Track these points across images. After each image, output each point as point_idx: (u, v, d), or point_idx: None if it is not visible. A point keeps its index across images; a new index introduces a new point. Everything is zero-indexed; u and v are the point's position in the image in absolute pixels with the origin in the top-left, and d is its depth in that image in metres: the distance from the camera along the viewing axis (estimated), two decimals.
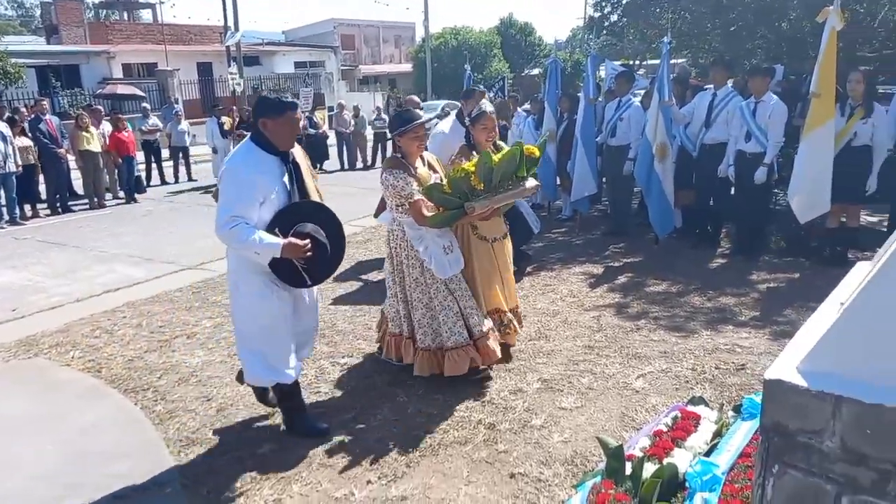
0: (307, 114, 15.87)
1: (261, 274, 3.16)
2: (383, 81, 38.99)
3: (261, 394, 3.66)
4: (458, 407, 3.71)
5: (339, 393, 3.97)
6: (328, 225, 3.29)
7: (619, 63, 13.78)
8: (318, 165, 15.76)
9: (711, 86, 6.82)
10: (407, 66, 38.24)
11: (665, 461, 2.53)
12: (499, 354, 3.98)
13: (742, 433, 2.68)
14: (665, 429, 2.80)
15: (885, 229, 6.29)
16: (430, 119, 4.45)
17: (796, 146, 6.77)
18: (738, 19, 10.02)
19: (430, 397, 3.83)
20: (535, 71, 33.51)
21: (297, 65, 32.49)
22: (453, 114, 5.08)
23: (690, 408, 2.98)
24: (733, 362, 4.15)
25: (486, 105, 4.36)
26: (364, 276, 6.49)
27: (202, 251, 7.82)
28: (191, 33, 30.35)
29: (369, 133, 16.70)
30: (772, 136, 5.96)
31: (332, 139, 16.62)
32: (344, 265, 6.91)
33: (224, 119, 14.00)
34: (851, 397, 1.65)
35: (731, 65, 7.11)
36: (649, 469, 2.49)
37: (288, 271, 3.15)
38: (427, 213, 3.68)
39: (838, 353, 1.73)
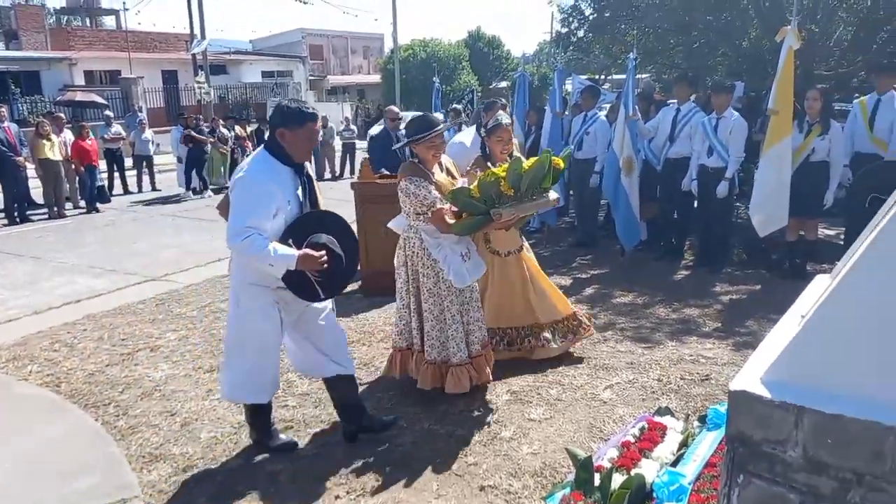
0: None
1: (265, 291, 3.08)
2: (352, 92, 38.92)
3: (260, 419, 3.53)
4: (427, 419, 3.70)
5: (307, 406, 3.93)
6: (342, 236, 3.19)
7: (585, 77, 14.00)
8: None
9: (675, 101, 6.98)
10: (376, 77, 38.24)
11: (633, 472, 2.56)
12: (489, 377, 3.96)
13: (707, 443, 2.73)
14: (633, 439, 2.84)
15: (842, 242, 6.47)
16: (448, 127, 4.40)
17: (756, 161, 6.95)
18: (701, 37, 10.29)
19: (399, 409, 3.81)
20: (503, 84, 33.81)
21: (265, 74, 32.28)
22: (474, 126, 4.97)
23: (657, 418, 3.03)
24: (698, 373, 4.22)
25: (503, 117, 4.28)
26: None
27: (166, 262, 7.70)
28: (156, 41, 29.95)
29: (338, 143, 16.64)
30: (733, 151, 6.12)
31: None
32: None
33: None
34: (813, 408, 1.70)
35: (693, 81, 7.28)
36: (617, 480, 2.52)
37: (301, 284, 3.04)
38: (451, 221, 3.59)
39: (800, 364, 1.78)
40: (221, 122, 15.02)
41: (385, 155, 7.66)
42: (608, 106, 8.55)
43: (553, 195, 3.76)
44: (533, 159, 3.63)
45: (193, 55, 23.50)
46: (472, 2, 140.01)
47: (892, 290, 1.64)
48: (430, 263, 3.74)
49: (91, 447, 3.57)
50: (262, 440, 3.46)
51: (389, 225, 4.17)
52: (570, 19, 11.92)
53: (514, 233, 4.20)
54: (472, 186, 3.57)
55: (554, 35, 14.00)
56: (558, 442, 3.34)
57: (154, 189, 13.86)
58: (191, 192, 13.27)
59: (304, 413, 3.84)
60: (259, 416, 3.45)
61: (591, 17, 11.57)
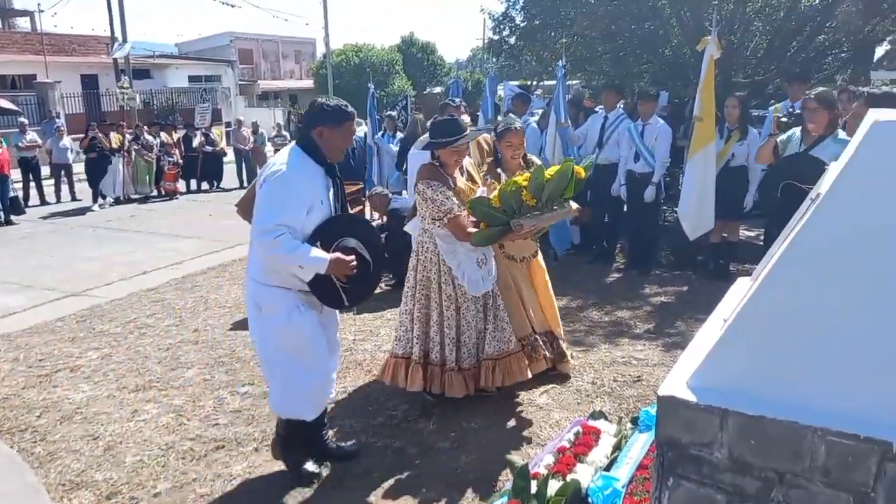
0: (204, 130, 15.34)
1: (286, 294, 2.91)
2: (284, 97, 38.28)
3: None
4: (364, 432, 3.65)
5: (239, 424, 3.81)
6: (369, 241, 3.08)
7: (517, 83, 14.22)
8: (215, 183, 15.24)
9: (603, 108, 7.16)
10: (308, 82, 37.73)
11: (568, 477, 2.59)
12: (524, 375, 3.86)
13: (639, 445, 2.79)
14: (568, 445, 2.87)
15: (762, 243, 6.77)
16: (480, 133, 4.16)
17: (681, 166, 7.21)
18: (626, 45, 10.59)
19: (335, 423, 3.74)
20: (438, 89, 33.96)
21: (192, 79, 31.37)
22: (426, 136, 4.74)
23: (591, 422, 3.08)
24: (630, 374, 4.32)
25: (515, 122, 4.20)
26: None
27: (87, 276, 7.35)
28: (74, 44, 28.61)
29: (269, 150, 16.32)
30: (658, 156, 6.32)
31: (230, 156, 16.11)
32: (244, 288, 6.68)
33: (112, 135, 13.29)
34: (736, 410, 1.75)
35: (620, 89, 7.49)
36: (554, 486, 2.54)
37: (325, 289, 2.91)
38: (471, 230, 3.49)
39: (723, 368, 1.83)
40: (146, 128, 14.50)
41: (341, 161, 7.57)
42: (539, 112, 8.69)
43: (574, 204, 3.63)
44: (555, 168, 3.54)
45: (114, 59, 22.61)
46: (404, 8, 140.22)
47: (806, 294, 1.71)
48: (446, 269, 3.65)
49: (6, 476, 3.35)
50: (287, 461, 3.21)
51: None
52: (502, 27, 12.07)
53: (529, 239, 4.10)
54: (492, 196, 3.47)
55: (486, 42, 14.14)
56: (496, 450, 3.35)
57: (74, 199, 13.24)
58: (96, 206, 12.55)
59: (237, 431, 3.72)
60: (294, 435, 3.17)
61: (521, 25, 11.75)
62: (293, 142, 3.03)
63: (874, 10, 8.73)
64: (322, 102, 2.99)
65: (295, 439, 3.20)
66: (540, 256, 4.39)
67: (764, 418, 1.71)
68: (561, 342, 4.29)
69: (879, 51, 11.84)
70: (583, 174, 3.65)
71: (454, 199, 3.53)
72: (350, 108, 2.99)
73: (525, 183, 3.39)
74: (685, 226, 6.06)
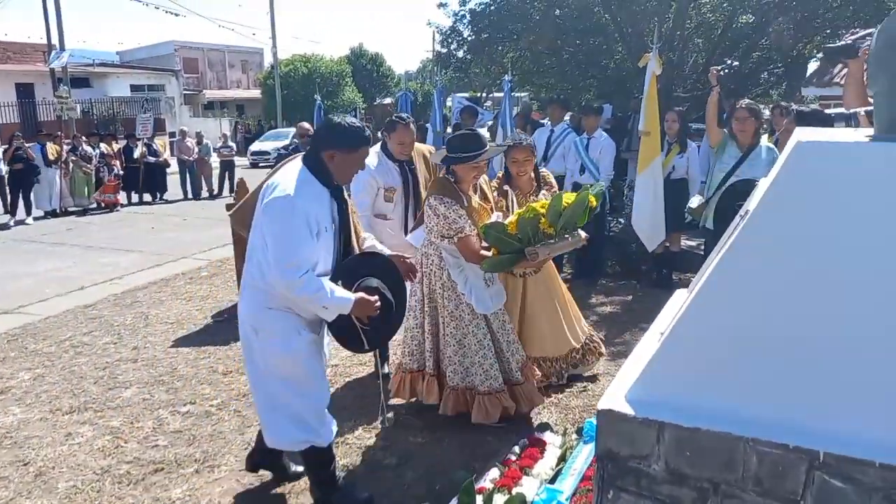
0: (146, 140, 14.95)
1: (285, 316, 2.73)
2: (230, 107, 37.66)
3: (274, 462, 3.17)
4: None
5: (179, 445, 3.70)
6: (392, 281, 2.92)
7: (467, 95, 14.34)
8: (158, 195, 14.86)
9: (549, 122, 7.28)
10: (256, 92, 37.23)
11: (514, 491, 2.59)
12: (537, 401, 3.77)
13: (584, 456, 2.82)
14: (514, 458, 2.88)
15: (702, 252, 6.97)
16: (500, 151, 4.03)
17: (624, 178, 7.37)
18: (572, 59, 10.80)
19: None
20: (388, 100, 33.97)
21: (134, 88, 30.59)
22: (377, 146, 4.35)
23: (537, 434, 3.09)
24: (576, 385, 4.36)
25: (524, 138, 4.10)
26: (208, 315, 6.15)
27: (20, 293, 7.05)
28: (8, 51, 27.58)
29: (215, 160, 16.01)
30: (603, 169, 6.46)
31: (173, 167, 15.73)
32: (186, 303, 6.53)
33: (49, 146, 12.82)
34: (672, 422, 1.79)
35: (566, 103, 7.63)
36: (499, 500, 2.54)
37: (345, 331, 2.77)
38: (483, 253, 3.36)
39: (659, 381, 1.87)
40: (84, 138, 14.05)
41: None
42: (489, 124, 8.78)
43: (583, 234, 3.54)
44: (571, 195, 3.45)
45: (51, 68, 21.87)
46: (353, 19, 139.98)
47: (735, 308, 1.76)
48: (450, 285, 3.52)
49: None
50: (341, 500, 2.97)
51: (407, 238, 3.88)
52: (449, 40, 12.13)
53: None
54: (507, 221, 3.34)
55: (435, 54, 14.24)
56: (443, 465, 3.33)
57: (6, 212, 12.69)
58: (30, 219, 12.02)
59: (177, 453, 3.61)
60: (320, 467, 2.97)
61: (469, 39, 11.85)
62: (299, 157, 2.82)
63: (804, 30, 9.13)
64: (338, 122, 2.77)
65: (325, 474, 2.98)
66: (553, 276, 4.32)
67: (699, 430, 1.76)
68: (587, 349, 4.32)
69: (811, 66, 12.39)
70: (594, 203, 3.54)
71: (466, 217, 3.40)
72: (367, 133, 2.80)
73: (543, 210, 3.28)
74: (643, 238, 6.22)
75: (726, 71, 5.11)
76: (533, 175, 4.13)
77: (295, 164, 2.78)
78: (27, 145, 12.27)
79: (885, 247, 1.61)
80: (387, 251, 3.15)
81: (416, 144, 4.46)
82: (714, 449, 1.74)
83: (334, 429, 2.96)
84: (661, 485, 1.83)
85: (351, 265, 2.84)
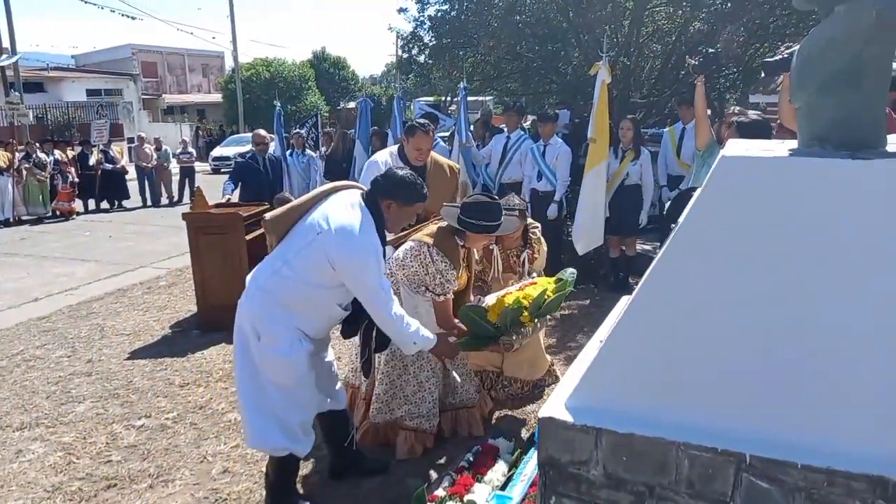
0: (102, 147, 14.65)
1: (288, 325, 2.81)
2: (191, 112, 37.11)
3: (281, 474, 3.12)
4: (264, 459, 3.56)
5: (133, 460, 3.65)
6: None
7: (431, 99, 14.37)
8: (117, 203, 14.57)
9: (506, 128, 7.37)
10: (217, 97, 36.73)
11: (465, 498, 2.63)
12: (475, 432, 3.68)
13: (534, 462, 2.86)
14: (467, 465, 2.92)
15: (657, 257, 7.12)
16: (518, 226, 3.77)
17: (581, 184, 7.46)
18: (531, 65, 10.93)
19: (236, 454, 3.65)
20: (352, 104, 33.83)
21: (90, 92, 29.91)
22: (394, 148, 4.36)
23: (491, 441, 3.14)
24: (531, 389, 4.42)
25: (517, 203, 3.89)
26: (166, 326, 6.07)
27: None
28: None
29: (174, 167, 15.77)
30: (560, 175, 6.56)
31: (132, 174, 15.44)
32: (143, 314, 6.44)
33: (0, 153, 12.49)
34: (608, 428, 1.85)
35: (521, 109, 7.73)
36: None
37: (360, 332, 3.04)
38: (455, 321, 3.35)
39: (597, 388, 1.94)
40: (38, 145, 13.72)
41: (248, 181, 7.43)
42: (448, 132, 8.84)
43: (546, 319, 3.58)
44: (552, 284, 3.47)
45: (2, 69, 21.28)
46: (315, 23, 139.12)
47: (666, 316, 1.83)
48: None
49: None
50: None
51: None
52: (410, 45, 12.17)
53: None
54: (488, 306, 3.31)
55: (397, 59, 14.25)
56: (398, 474, 3.35)
57: None
58: None
59: (131, 468, 3.56)
60: (284, 475, 3.03)
61: (430, 44, 11.90)
62: (359, 195, 2.93)
63: (755, 38, 9.38)
64: (402, 176, 2.92)
65: (287, 483, 3.05)
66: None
67: (633, 435, 1.82)
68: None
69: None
70: (568, 289, 3.58)
71: (455, 282, 3.36)
72: (425, 190, 2.97)
73: (527, 303, 3.27)
74: (576, 242, 6.32)
75: (700, 59, 4.85)
76: (522, 233, 3.99)
77: (356, 202, 2.87)
78: None
79: (804, 257, 1.69)
80: None
81: (440, 158, 4.48)
82: (648, 453, 1.81)
83: (311, 441, 3.01)
84: (600, 489, 1.89)
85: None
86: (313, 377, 2.94)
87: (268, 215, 3.04)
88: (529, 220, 4.12)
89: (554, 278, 3.67)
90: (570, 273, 3.75)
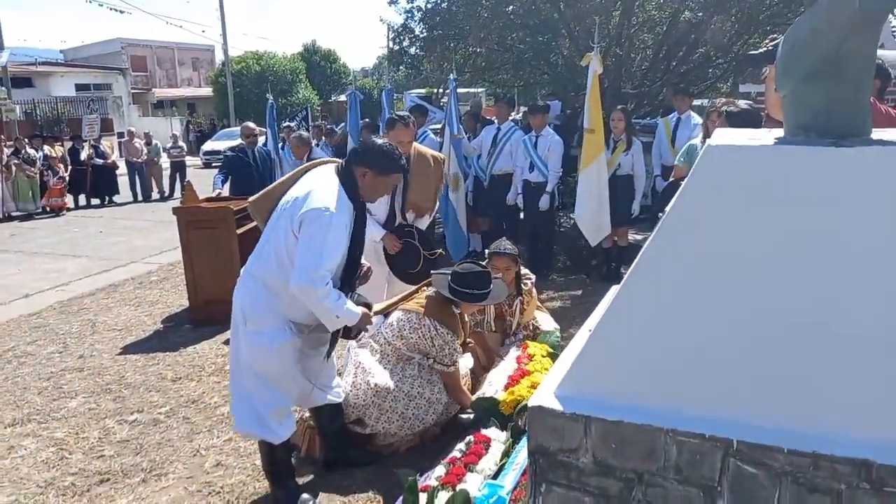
0: (93, 142, 14.56)
1: (276, 313, 2.84)
2: (181, 106, 36.88)
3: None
4: (257, 453, 3.57)
5: (126, 455, 3.65)
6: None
7: (423, 91, 14.33)
8: (107, 198, 14.50)
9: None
10: (207, 91, 36.49)
11: (458, 487, 2.65)
12: None
13: (525, 451, 2.88)
14: (459, 454, 2.94)
15: None
16: (504, 296, 3.74)
17: (574, 175, 7.49)
18: (522, 56, 10.92)
19: (229, 448, 3.65)
20: (343, 97, 33.70)
21: (80, 87, 29.69)
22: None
23: (483, 431, 3.15)
24: None
25: (507, 248, 3.92)
26: (157, 321, 6.06)
27: None
28: None
29: (165, 161, 15.69)
30: (551, 166, 6.56)
31: (122, 169, 15.36)
32: (135, 309, 6.42)
33: None
34: (598, 416, 1.87)
35: (512, 101, 7.72)
36: (443, 498, 2.59)
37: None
38: (466, 392, 3.45)
39: (586, 376, 1.95)
40: (27, 141, 13.62)
41: (238, 175, 7.38)
42: (439, 126, 8.82)
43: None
44: (546, 349, 3.59)
45: None
46: (304, 15, 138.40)
47: (653, 304, 1.84)
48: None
49: None
50: (278, 497, 3.04)
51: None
52: (401, 37, 12.13)
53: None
54: (502, 400, 3.28)
55: (388, 51, 14.22)
56: (389, 465, 3.36)
57: None
58: None
59: (123, 462, 3.56)
60: (273, 462, 3.06)
61: (421, 36, 11.86)
62: (332, 168, 2.96)
63: (744, 28, 9.40)
64: (379, 145, 2.96)
65: (282, 468, 3.09)
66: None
67: (622, 422, 1.84)
68: None
69: None
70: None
71: (460, 350, 3.44)
72: (402, 161, 2.98)
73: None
74: (586, 233, 6.33)
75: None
76: (514, 280, 3.97)
77: (329, 176, 2.90)
78: None
79: (790, 245, 1.71)
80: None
81: (423, 149, 4.55)
82: (637, 440, 1.82)
83: (291, 429, 3.05)
84: (590, 477, 1.91)
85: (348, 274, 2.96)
86: (298, 370, 2.97)
87: (251, 198, 3.10)
88: (524, 270, 4.13)
89: (546, 346, 3.76)
90: (555, 337, 3.89)
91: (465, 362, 3.76)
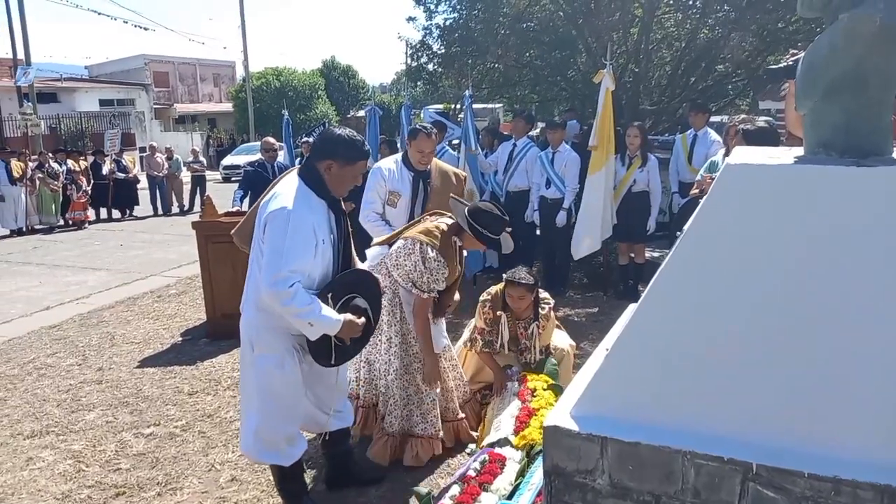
0: (114, 156, 14.79)
1: (283, 336, 2.79)
2: (202, 121, 37.38)
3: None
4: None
5: (142, 468, 3.67)
6: (373, 301, 2.96)
7: (441, 107, 14.40)
8: (128, 212, 14.69)
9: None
10: (227, 106, 37.00)
11: None
12: (465, 438, 3.73)
13: (541, 471, 2.85)
14: (474, 473, 2.91)
15: None
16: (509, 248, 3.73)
17: None
18: (540, 72, 10.95)
19: (244, 462, 3.65)
20: (361, 113, 33.97)
21: (103, 102, 30.21)
22: (398, 155, 4.44)
23: (498, 450, 3.13)
24: None
25: (524, 276, 3.79)
26: (175, 334, 6.10)
27: None
28: None
29: (185, 175, 15.88)
30: (568, 182, 6.56)
31: (143, 183, 15.58)
32: (154, 322, 6.48)
33: (13, 163, 12.63)
34: (614, 437, 1.85)
35: (530, 117, 7.74)
36: None
37: (319, 343, 2.76)
38: (429, 316, 3.40)
39: (603, 396, 1.93)
40: (51, 155, 13.86)
41: (258, 191, 7.42)
42: (457, 141, 8.85)
43: None
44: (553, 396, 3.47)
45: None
46: (324, 32, 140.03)
47: (671, 325, 1.82)
48: (402, 327, 3.45)
49: None
50: None
51: (368, 251, 3.70)
52: (419, 54, 12.23)
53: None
54: (517, 440, 3.18)
55: (406, 67, 14.33)
56: (406, 482, 3.35)
57: None
58: None
59: (139, 476, 3.58)
60: (286, 481, 3.03)
61: (439, 52, 11.95)
62: (295, 171, 2.85)
63: (763, 44, 9.35)
64: (338, 134, 2.80)
65: (295, 486, 3.07)
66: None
67: (639, 444, 1.81)
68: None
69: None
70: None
71: (443, 284, 3.41)
72: (366, 147, 2.82)
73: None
74: (573, 245, 6.34)
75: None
76: (532, 304, 3.90)
77: (291, 177, 2.80)
78: None
79: (809, 265, 1.68)
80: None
81: (443, 164, 4.54)
82: (654, 462, 1.80)
83: (302, 449, 3.02)
84: (606, 498, 1.88)
85: (342, 282, 2.84)
86: (307, 396, 2.95)
87: (233, 231, 3.09)
88: (543, 294, 4.07)
89: (545, 377, 3.69)
90: (552, 365, 3.84)
91: (443, 341, 3.71)
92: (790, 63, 3.06)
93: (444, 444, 3.62)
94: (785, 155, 1.95)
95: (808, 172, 1.73)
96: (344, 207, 2.95)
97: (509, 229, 3.60)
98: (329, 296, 2.73)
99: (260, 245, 2.74)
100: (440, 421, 3.58)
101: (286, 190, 2.73)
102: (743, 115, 4.79)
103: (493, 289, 4.01)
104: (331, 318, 2.67)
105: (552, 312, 4.08)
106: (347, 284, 2.86)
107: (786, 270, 1.71)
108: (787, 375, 1.71)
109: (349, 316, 2.75)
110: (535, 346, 3.94)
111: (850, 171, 1.66)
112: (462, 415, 3.80)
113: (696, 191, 4.71)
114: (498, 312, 3.88)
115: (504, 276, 3.92)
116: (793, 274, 1.70)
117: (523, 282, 3.79)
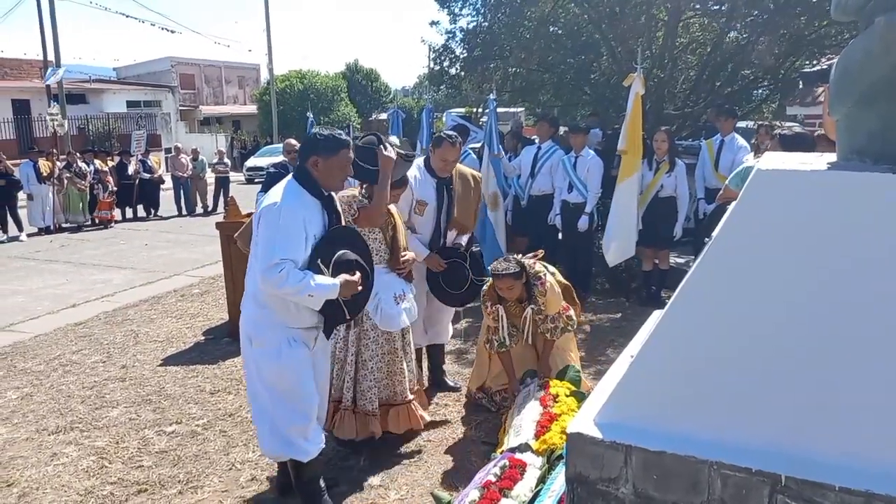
0: (140, 157, 14.99)
1: (280, 329, 2.88)
2: (226, 123, 37.76)
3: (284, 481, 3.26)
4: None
5: (164, 465, 3.70)
6: (361, 248, 3.07)
7: (462, 111, 14.41)
8: (152, 212, 14.88)
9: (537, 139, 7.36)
10: (252, 108, 37.34)
11: None
12: (414, 425, 3.80)
13: (562, 478, 2.82)
14: (494, 479, 2.89)
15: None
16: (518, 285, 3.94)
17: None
18: (563, 76, 10.91)
19: (264, 462, 3.67)
20: (383, 116, 34.11)
21: (130, 104, 30.62)
22: (420, 160, 4.47)
23: (518, 455, 3.10)
24: None
25: (508, 266, 3.86)
26: (198, 333, 6.16)
27: (12, 311, 7.06)
28: (5, 67, 27.71)
29: (210, 177, 16.05)
30: (591, 187, 6.51)
31: (168, 183, 15.77)
32: (177, 321, 6.54)
33: (41, 163, 12.85)
34: (639, 445, 1.82)
35: (554, 121, 7.71)
36: None
37: (329, 309, 2.87)
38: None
39: (628, 403, 1.90)
40: (79, 155, 14.09)
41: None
42: (478, 145, 8.85)
43: None
44: (576, 402, 3.49)
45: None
46: (347, 35, 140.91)
47: (698, 333, 1.79)
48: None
49: None
50: None
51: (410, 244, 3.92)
52: (442, 58, 12.24)
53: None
54: (536, 447, 3.13)
55: (429, 71, 14.36)
56: (426, 485, 3.34)
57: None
58: (24, 236, 12.03)
59: (161, 473, 3.61)
60: (305, 480, 3.07)
61: (462, 56, 11.96)
62: (290, 174, 3.00)
63: (791, 49, 9.22)
64: (315, 133, 2.99)
65: (313, 487, 3.09)
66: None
67: (665, 453, 1.78)
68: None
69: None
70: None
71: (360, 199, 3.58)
72: (345, 137, 2.95)
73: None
74: (606, 252, 6.28)
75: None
76: (524, 289, 3.96)
77: (285, 180, 2.98)
78: (18, 162, 12.30)
79: (841, 273, 1.65)
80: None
81: (464, 168, 4.58)
82: (680, 472, 1.77)
83: (319, 446, 3.04)
84: None
85: (323, 244, 2.92)
86: (309, 381, 2.98)
87: (236, 234, 3.19)
88: (536, 267, 4.03)
89: (567, 384, 3.72)
90: (574, 372, 3.90)
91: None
92: (825, 67, 3.00)
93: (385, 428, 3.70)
94: (817, 161, 1.91)
95: (841, 179, 1.70)
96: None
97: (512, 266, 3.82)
98: (319, 262, 2.83)
99: (256, 241, 2.88)
100: (377, 402, 3.67)
101: (276, 190, 2.91)
102: (788, 124, 4.72)
103: (486, 286, 4.08)
104: (327, 285, 2.79)
105: (549, 282, 4.01)
106: (330, 243, 2.94)
107: (818, 278, 1.67)
108: (818, 385, 1.67)
109: (344, 276, 2.86)
110: (547, 316, 4.00)
111: (886, 178, 1.62)
112: (411, 396, 3.81)
113: (720, 201, 4.67)
114: (496, 306, 3.98)
115: (489, 268, 3.99)
116: (825, 282, 1.66)
117: (506, 272, 3.84)
